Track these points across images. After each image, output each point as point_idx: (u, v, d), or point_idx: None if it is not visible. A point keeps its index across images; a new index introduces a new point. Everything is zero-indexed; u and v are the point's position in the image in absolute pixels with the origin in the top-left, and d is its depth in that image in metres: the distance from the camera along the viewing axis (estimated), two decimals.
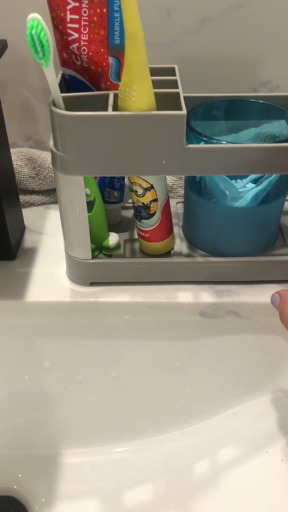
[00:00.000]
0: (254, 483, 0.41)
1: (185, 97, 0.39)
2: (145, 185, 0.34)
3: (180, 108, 0.31)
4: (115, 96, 0.33)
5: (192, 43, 0.44)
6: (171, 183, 0.47)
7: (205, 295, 0.39)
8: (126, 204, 0.43)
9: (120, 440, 0.46)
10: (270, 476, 0.40)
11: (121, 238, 0.41)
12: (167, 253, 0.40)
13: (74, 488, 0.43)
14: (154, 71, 0.36)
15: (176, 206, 0.45)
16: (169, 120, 0.30)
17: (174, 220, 0.43)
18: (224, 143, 0.33)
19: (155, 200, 0.35)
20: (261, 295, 0.40)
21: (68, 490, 0.43)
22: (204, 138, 0.34)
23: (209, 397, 0.45)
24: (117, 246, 0.39)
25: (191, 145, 0.32)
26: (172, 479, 0.43)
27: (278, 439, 0.42)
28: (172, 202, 0.45)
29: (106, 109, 0.32)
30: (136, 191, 0.35)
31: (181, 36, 0.44)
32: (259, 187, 0.37)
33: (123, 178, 0.41)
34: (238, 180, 0.38)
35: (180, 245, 0.41)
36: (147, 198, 0.35)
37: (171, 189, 0.47)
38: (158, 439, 0.46)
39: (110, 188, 0.41)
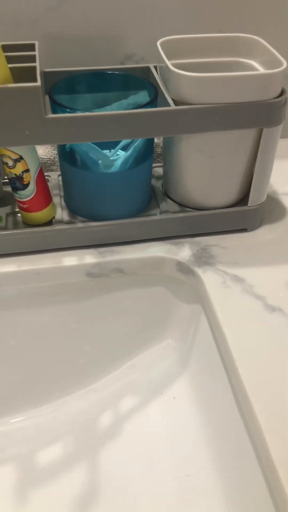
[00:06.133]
0: (152, 422, 0.45)
1: (49, 72, 0.41)
2: (14, 156, 0.36)
3: (36, 81, 0.33)
4: None
5: (55, 20, 0.46)
6: (52, 156, 0.49)
7: (89, 257, 0.42)
8: (5, 180, 0.45)
9: (29, 406, 0.48)
10: (164, 414, 0.45)
11: (3, 212, 0.43)
12: (49, 222, 0.42)
13: None
14: (14, 48, 0.38)
15: (58, 178, 0.47)
16: (25, 92, 0.32)
17: (55, 191, 0.46)
18: (80, 113, 0.35)
19: (27, 170, 0.37)
20: (140, 251, 0.43)
21: None
22: (68, 110, 0.36)
23: (108, 352, 0.48)
24: None
25: (50, 115, 0.34)
26: (80, 435, 0.46)
27: (170, 380, 0.46)
28: (54, 175, 0.48)
29: None
30: (7, 163, 0.37)
31: (44, 13, 0.45)
32: (127, 154, 0.40)
33: None
34: (108, 150, 0.41)
35: (62, 213, 0.43)
36: (19, 169, 0.37)
37: (53, 162, 0.49)
38: (65, 400, 0.49)
39: None
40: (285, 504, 0.27)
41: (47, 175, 0.47)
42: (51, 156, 0.49)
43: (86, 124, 0.35)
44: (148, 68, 0.43)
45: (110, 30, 0.48)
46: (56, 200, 0.44)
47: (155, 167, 0.49)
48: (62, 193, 0.46)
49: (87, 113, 0.35)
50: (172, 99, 0.38)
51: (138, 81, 0.41)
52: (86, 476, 0.43)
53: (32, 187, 0.39)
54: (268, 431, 0.30)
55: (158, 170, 0.49)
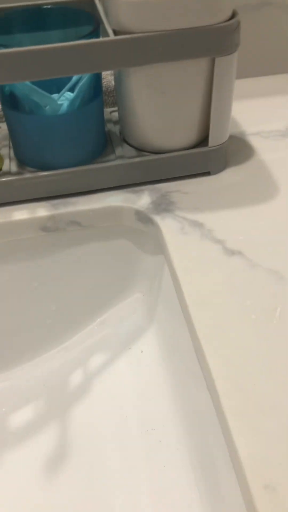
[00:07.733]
0: (120, 379, 0.43)
1: None
2: None
3: None
4: None
5: None
6: None
7: (41, 210, 0.40)
8: None
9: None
10: (132, 368, 0.43)
11: None
12: None
13: None
14: None
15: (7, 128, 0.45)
16: None
17: (5, 142, 0.43)
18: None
19: None
20: (96, 202, 0.41)
21: None
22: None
23: (75, 310, 0.47)
24: None
25: None
26: (52, 395, 0.45)
27: (138, 335, 0.45)
28: (5, 126, 0.45)
29: None
30: None
31: None
32: (73, 94, 0.37)
33: None
34: (56, 94, 0.38)
35: (9, 164, 0.41)
36: None
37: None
38: (36, 361, 0.47)
39: None
40: (235, 451, 0.25)
41: None
42: None
43: (17, 61, 0.32)
44: (92, 0, 0.40)
45: None
46: (5, 151, 0.42)
47: (113, 111, 0.46)
48: (11, 143, 0.43)
49: (15, 49, 0.32)
50: (114, 30, 0.35)
51: (79, 14, 0.38)
52: (57, 436, 0.42)
53: None
54: (218, 377, 0.28)
55: (116, 115, 0.46)
